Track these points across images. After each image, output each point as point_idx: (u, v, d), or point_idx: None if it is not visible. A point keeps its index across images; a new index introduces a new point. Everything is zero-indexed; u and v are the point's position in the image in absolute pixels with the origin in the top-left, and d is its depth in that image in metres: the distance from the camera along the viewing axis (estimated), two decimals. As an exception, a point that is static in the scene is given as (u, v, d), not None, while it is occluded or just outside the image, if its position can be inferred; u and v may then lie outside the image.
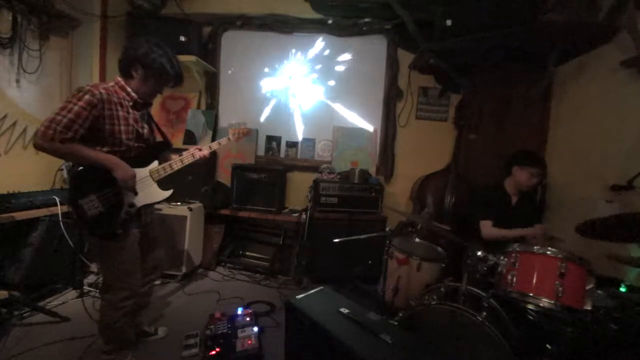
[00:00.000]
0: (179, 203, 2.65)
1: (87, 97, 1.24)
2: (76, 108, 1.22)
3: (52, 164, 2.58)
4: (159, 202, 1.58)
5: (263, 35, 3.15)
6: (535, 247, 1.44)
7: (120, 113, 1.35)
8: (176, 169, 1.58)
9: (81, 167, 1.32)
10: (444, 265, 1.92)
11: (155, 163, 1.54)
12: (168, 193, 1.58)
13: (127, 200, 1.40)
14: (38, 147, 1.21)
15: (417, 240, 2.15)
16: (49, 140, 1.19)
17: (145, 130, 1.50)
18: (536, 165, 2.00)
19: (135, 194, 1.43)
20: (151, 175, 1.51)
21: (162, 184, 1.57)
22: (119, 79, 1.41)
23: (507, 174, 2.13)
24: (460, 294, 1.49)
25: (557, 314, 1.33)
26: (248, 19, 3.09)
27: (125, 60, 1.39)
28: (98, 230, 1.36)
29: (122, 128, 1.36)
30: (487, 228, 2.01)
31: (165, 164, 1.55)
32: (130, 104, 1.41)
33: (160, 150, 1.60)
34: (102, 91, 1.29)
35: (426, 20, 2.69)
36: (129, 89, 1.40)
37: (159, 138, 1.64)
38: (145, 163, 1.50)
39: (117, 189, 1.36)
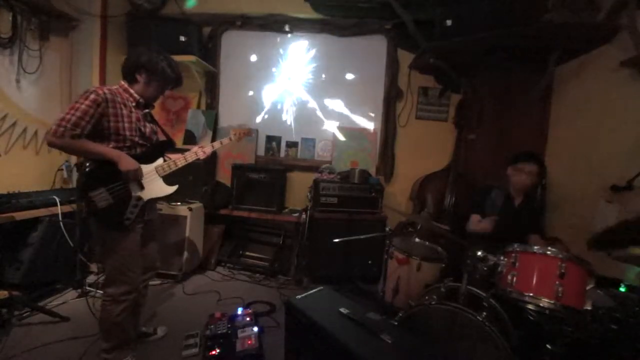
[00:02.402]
0: (179, 203, 2.64)
1: (92, 96, 1.35)
2: (83, 107, 1.32)
3: (52, 164, 2.58)
4: (165, 197, 1.63)
5: (263, 35, 3.15)
6: (535, 247, 1.44)
7: (124, 112, 1.45)
8: (180, 165, 1.66)
9: (92, 163, 1.40)
10: (444, 265, 1.92)
11: (160, 160, 1.62)
12: (174, 188, 1.64)
13: (135, 193, 1.48)
14: (50, 144, 1.32)
15: (417, 240, 2.14)
16: (60, 137, 1.29)
17: (148, 129, 1.58)
18: (524, 161, 1.96)
19: (142, 187, 1.51)
20: (157, 171, 1.59)
21: (167, 180, 1.63)
22: (123, 82, 1.52)
23: (507, 177, 2.10)
24: (460, 294, 1.49)
25: (557, 314, 1.33)
26: (248, 19, 3.08)
27: (130, 66, 1.51)
28: (107, 220, 1.44)
29: (126, 125, 1.45)
30: (474, 221, 2.02)
31: (170, 161, 1.64)
32: (133, 104, 1.51)
33: (164, 148, 1.67)
34: (107, 91, 1.40)
35: (426, 20, 2.69)
36: (132, 91, 1.51)
37: (162, 138, 1.71)
38: (150, 160, 1.58)
39: (125, 183, 1.45)
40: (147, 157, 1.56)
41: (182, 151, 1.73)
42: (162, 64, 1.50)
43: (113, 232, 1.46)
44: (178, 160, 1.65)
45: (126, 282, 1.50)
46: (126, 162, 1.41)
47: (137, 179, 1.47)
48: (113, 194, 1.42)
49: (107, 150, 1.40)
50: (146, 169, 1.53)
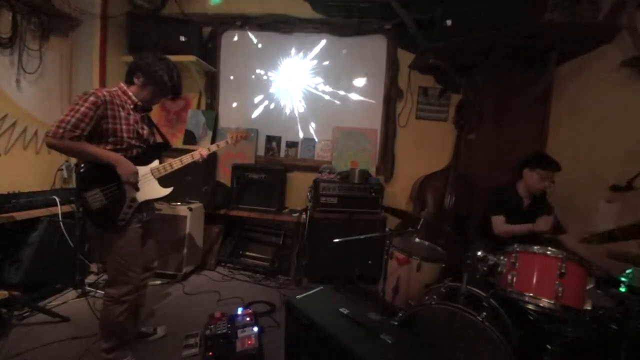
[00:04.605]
0: (179, 203, 2.64)
1: (91, 98, 1.35)
2: (82, 109, 1.33)
3: (52, 164, 2.58)
4: (159, 199, 1.64)
5: (263, 35, 3.15)
6: (535, 247, 1.44)
7: (122, 114, 1.46)
8: (175, 168, 1.66)
9: (88, 164, 1.41)
10: (444, 265, 1.92)
11: (156, 162, 1.63)
12: (168, 190, 1.65)
13: (129, 195, 1.48)
14: (50, 145, 1.33)
15: (417, 240, 2.15)
16: (59, 138, 1.30)
17: (145, 131, 1.59)
18: (546, 168, 1.91)
19: (137, 189, 1.51)
20: (152, 173, 1.59)
21: (163, 182, 1.63)
22: (122, 84, 1.53)
23: (518, 176, 2.05)
24: (460, 294, 1.49)
25: (557, 314, 1.33)
26: (248, 19, 3.08)
27: (130, 68, 1.53)
28: (101, 222, 1.44)
29: (124, 127, 1.47)
30: (499, 224, 1.96)
31: (166, 163, 1.64)
32: (131, 106, 1.52)
33: (161, 150, 1.68)
34: (105, 94, 1.41)
35: (426, 20, 2.69)
36: (130, 93, 1.52)
37: (159, 140, 1.72)
38: (146, 162, 1.58)
39: (120, 184, 1.45)
40: (143, 159, 1.56)
41: (179, 152, 1.72)
42: (161, 71, 1.50)
43: (109, 233, 1.47)
44: (174, 162, 1.66)
45: (127, 283, 1.51)
46: (124, 166, 1.42)
47: (134, 182, 1.47)
48: (107, 195, 1.42)
49: (105, 153, 1.40)
50: (142, 170, 1.53)
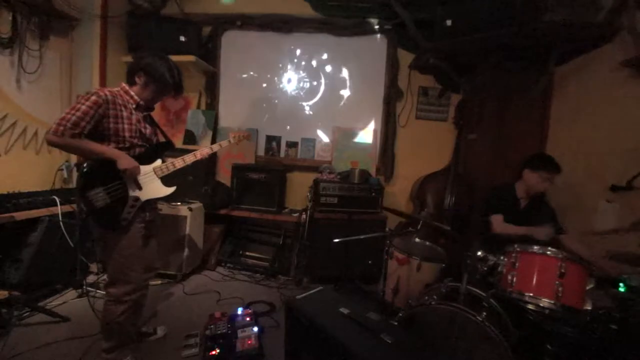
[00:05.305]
0: (179, 203, 2.64)
1: (93, 97, 1.37)
2: (83, 107, 1.34)
3: (52, 164, 2.58)
4: (163, 197, 1.63)
5: (263, 35, 3.15)
6: (535, 247, 1.44)
7: (124, 113, 1.47)
8: (178, 167, 1.66)
9: (90, 164, 1.41)
10: (444, 265, 1.92)
11: (159, 161, 1.62)
12: (171, 189, 1.64)
13: (132, 194, 1.49)
14: (50, 143, 1.34)
15: (417, 240, 2.14)
16: (59, 136, 1.31)
17: (148, 131, 1.60)
18: (547, 169, 1.90)
19: (140, 188, 1.52)
20: (155, 172, 1.59)
21: (165, 181, 1.63)
22: (124, 84, 1.54)
23: (518, 176, 2.04)
24: (460, 294, 1.49)
25: (557, 314, 1.33)
26: (248, 19, 3.08)
27: (131, 68, 1.53)
28: (104, 221, 1.45)
29: (126, 127, 1.47)
30: (498, 222, 1.97)
31: (168, 162, 1.64)
32: (134, 106, 1.53)
33: (163, 150, 1.68)
34: (107, 93, 1.41)
35: (426, 20, 2.69)
36: (132, 93, 1.53)
37: (162, 140, 1.72)
38: (149, 161, 1.58)
39: (123, 183, 1.46)
40: (146, 158, 1.56)
41: (179, 152, 1.72)
42: (162, 69, 1.50)
43: (112, 232, 1.47)
44: (176, 161, 1.66)
45: (128, 282, 1.51)
46: (125, 160, 1.42)
47: (135, 177, 1.48)
48: (110, 194, 1.42)
49: (105, 149, 1.41)
50: (144, 169, 1.53)
